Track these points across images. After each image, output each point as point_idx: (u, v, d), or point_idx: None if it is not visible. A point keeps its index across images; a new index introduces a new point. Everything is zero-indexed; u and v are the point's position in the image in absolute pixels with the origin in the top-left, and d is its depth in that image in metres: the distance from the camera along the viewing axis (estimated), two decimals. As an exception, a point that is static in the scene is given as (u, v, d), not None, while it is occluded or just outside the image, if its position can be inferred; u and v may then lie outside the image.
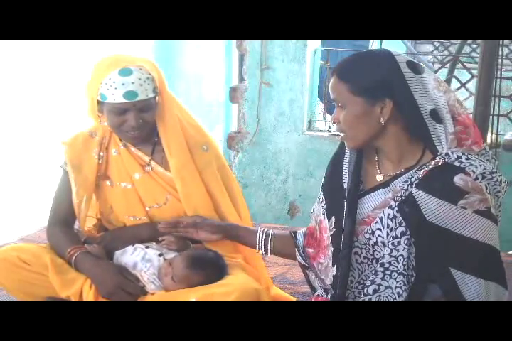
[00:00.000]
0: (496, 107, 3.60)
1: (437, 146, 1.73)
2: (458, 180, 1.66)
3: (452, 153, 1.71)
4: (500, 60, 3.61)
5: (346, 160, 1.91)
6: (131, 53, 2.26)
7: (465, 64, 4.67)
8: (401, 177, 1.79)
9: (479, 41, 4.17)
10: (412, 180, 1.74)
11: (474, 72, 4.18)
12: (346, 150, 1.91)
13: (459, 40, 5.15)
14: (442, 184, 1.67)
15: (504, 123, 4.45)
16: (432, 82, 1.74)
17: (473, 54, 5.56)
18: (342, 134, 1.81)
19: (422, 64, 1.80)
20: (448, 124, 1.73)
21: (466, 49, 5.68)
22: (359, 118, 1.76)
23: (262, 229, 2.15)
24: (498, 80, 3.59)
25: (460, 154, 1.71)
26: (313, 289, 2.07)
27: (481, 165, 1.68)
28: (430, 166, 1.72)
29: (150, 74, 2.15)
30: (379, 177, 1.84)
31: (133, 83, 2.10)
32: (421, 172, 1.73)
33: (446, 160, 1.70)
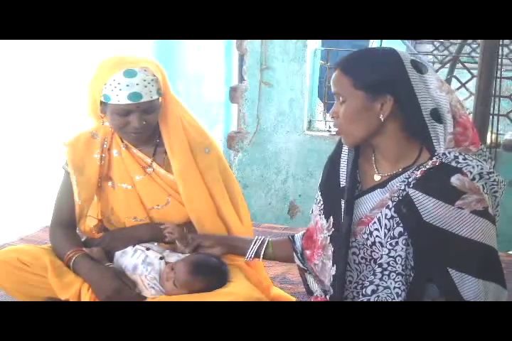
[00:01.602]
0: (496, 107, 3.60)
1: (435, 146, 1.73)
2: (455, 180, 1.66)
3: (449, 153, 1.71)
4: (500, 60, 3.61)
5: (344, 159, 1.90)
6: (135, 54, 2.25)
7: (465, 64, 4.67)
8: (398, 177, 1.78)
9: (479, 41, 4.17)
10: (410, 180, 1.74)
11: (474, 72, 4.18)
12: (343, 150, 1.91)
13: (459, 40, 5.15)
14: (439, 184, 1.67)
15: (504, 123, 4.46)
16: (435, 81, 1.74)
17: (473, 54, 5.56)
18: (338, 129, 1.80)
19: (426, 64, 1.80)
20: (448, 124, 1.72)
21: (466, 49, 5.68)
22: (359, 113, 1.75)
23: (260, 237, 2.16)
24: (498, 80, 3.58)
25: (457, 154, 1.70)
26: (310, 292, 2.06)
27: (478, 166, 1.68)
28: (427, 166, 1.72)
29: (154, 76, 2.14)
30: (377, 177, 1.84)
31: (137, 84, 2.09)
32: (418, 173, 1.73)
33: (443, 160, 1.70)
